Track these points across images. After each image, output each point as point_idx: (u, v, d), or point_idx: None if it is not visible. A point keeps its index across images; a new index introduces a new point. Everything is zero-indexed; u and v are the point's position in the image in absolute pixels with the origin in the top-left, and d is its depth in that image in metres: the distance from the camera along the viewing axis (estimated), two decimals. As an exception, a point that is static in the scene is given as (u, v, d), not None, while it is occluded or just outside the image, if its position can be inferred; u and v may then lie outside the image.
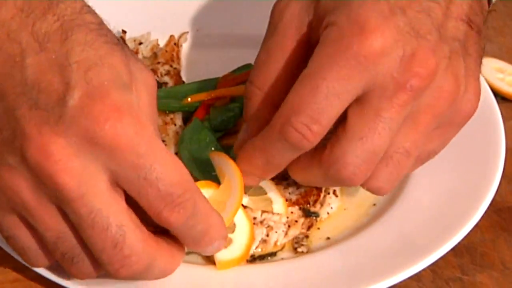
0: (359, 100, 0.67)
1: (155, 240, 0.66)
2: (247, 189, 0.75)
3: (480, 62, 0.72)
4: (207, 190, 0.74)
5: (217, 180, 0.75)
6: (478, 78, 0.72)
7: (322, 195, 0.79)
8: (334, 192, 0.80)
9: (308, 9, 0.70)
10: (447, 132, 0.72)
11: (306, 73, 0.67)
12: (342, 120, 0.68)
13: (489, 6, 0.74)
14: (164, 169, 0.63)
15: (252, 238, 0.74)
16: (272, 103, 0.71)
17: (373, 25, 0.65)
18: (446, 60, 0.68)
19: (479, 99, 0.71)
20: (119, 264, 0.64)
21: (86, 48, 0.63)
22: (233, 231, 0.74)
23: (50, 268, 0.70)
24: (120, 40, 0.68)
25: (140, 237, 0.64)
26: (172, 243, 0.67)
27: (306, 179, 0.74)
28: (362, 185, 0.71)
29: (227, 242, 0.73)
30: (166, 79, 0.90)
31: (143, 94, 0.66)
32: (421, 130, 0.69)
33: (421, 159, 0.73)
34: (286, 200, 0.77)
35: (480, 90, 0.72)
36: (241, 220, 0.74)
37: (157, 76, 0.90)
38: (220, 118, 0.84)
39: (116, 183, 0.63)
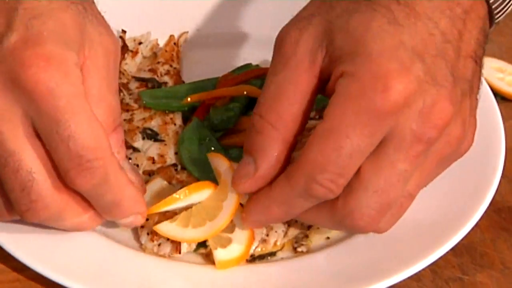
0: (374, 151, 0.66)
1: (69, 193, 0.67)
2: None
3: (478, 93, 0.72)
4: (206, 190, 0.74)
5: (216, 181, 0.75)
6: (476, 113, 0.71)
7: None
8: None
9: (321, 43, 0.68)
10: (442, 168, 0.72)
11: (327, 128, 0.65)
12: None
13: (490, 27, 0.74)
14: (78, 129, 0.64)
15: (251, 238, 0.74)
16: (284, 140, 0.69)
17: (395, 80, 0.64)
18: (458, 105, 0.68)
19: (474, 135, 0.71)
20: (25, 207, 0.66)
21: None
22: (232, 231, 0.74)
23: (50, 268, 0.70)
24: (86, 4, 0.70)
25: (51, 186, 0.66)
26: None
27: (312, 222, 0.73)
28: None
29: (227, 242, 0.73)
30: (166, 78, 0.90)
31: (98, 56, 0.69)
32: (425, 174, 0.69)
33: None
34: (286, 200, 0.77)
35: (476, 125, 0.72)
36: (240, 220, 0.74)
37: (157, 76, 0.90)
38: (220, 118, 0.84)
39: (36, 131, 0.65)
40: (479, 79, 0.71)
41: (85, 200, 0.69)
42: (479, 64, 0.70)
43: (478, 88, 0.71)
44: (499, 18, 0.74)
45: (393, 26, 0.66)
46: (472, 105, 0.70)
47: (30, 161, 0.66)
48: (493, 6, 0.72)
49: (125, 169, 0.70)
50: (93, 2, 0.73)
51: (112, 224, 0.75)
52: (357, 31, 0.66)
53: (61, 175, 0.66)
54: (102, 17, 0.72)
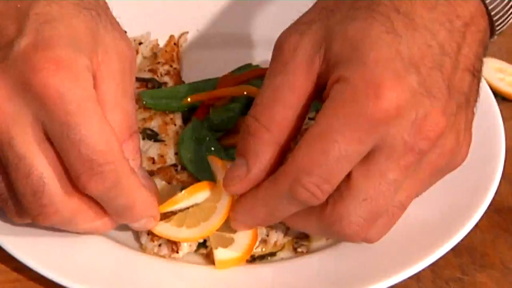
0: (365, 158, 0.66)
1: (81, 198, 0.67)
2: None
3: (475, 106, 0.72)
4: (205, 191, 0.74)
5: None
6: (471, 126, 0.71)
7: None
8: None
9: (319, 49, 0.68)
10: (435, 179, 0.72)
11: (317, 132, 0.65)
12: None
13: (491, 37, 0.73)
14: (89, 133, 0.64)
15: (254, 239, 0.74)
16: (277, 143, 0.69)
17: (388, 88, 0.64)
18: (453, 118, 0.68)
19: (469, 148, 0.71)
20: (37, 211, 0.66)
21: (51, 4, 0.66)
22: (235, 232, 0.74)
23: (50, 268, 0.70)
24: (99, 10, 0.70)
25: (62, 191, 0.66)
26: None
27: (302, 228, 0.73)
28: None
29: (229, 242, 0.73)
30: (166, 79, 0.90)
31: (113, 61, 0.68)
32: (418, 185, 0.69)
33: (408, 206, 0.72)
34: (286, 200, 0.77)
35: (471, 138, 0.72)
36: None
37: (157, 76, 0.90)
38: (220, 118, 0.84)
39: (47, 135, 0.65)
40: (477, 92, 0.71)
41: (98, 204, 0.69)
42: (477, 77, 0.70)
43: (475, 101, 0.71)
44: (502, 29, 0.74)
45: (391, 35, 0.66)
46: (468, 118, 0.70)
47: (41, 166, 0.65)
48: (495, 18, 0.72)
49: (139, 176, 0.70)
50: (108, 8, 0.72)
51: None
52: (355, 38, 0.66)
53: (72, 180, 0.66)
54: (117, 22, 0.72)
